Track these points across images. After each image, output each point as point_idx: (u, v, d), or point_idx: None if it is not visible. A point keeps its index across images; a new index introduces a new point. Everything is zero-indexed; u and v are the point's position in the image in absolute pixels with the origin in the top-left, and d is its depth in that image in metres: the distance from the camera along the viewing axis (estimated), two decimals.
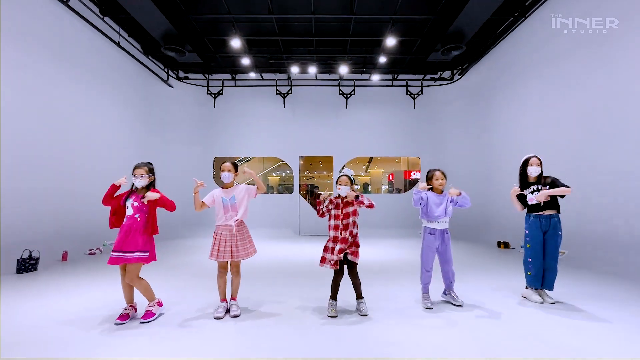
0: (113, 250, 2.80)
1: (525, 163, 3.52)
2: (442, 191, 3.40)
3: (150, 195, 2.86)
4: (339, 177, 3.21)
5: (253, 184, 3.23)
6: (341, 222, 3.11)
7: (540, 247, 3.40)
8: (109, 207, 2.95)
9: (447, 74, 10.73)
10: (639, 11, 4.90)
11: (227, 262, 3.09)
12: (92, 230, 6.70)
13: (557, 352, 2.25)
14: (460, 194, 3.23)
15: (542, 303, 3.31)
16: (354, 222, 3.12)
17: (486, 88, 9.01)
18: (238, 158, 14.65)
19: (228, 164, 3.19)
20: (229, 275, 3.19)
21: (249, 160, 15.87)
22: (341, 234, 3.07)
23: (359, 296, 3.17)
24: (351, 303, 3.30)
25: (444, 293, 3.48)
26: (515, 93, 7.65)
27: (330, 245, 3.11)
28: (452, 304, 3.33)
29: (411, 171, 13.86)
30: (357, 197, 3.05)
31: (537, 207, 3.41)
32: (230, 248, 3.04)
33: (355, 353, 2.26)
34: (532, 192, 3.43)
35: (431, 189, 3.41)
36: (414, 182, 12.86)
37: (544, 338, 2.48)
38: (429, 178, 3.42)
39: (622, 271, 4.54)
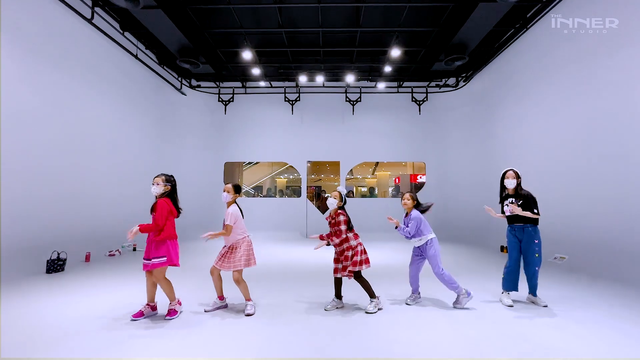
0: (143, 258, 3.20)
1: (503, 176, 3.79)
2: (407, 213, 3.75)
3: (132, 232, 2.96)
4: (332, 192, 3.56)
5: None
6: (333, 237, 3.52)
7: (516, 253, 3.68)
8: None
9: (451, 81, 10.94)
10: None
11: (214, 266, 3.42)
12: (111, 233, 7.11)
13: (553, 353, 2.49)
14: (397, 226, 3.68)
15: (512, 307, 3.53)
16: (346, 238, 3.45)
17: (490, 95, 9.20)
18: (247, 163, 15.06)
19: (229, 186, 3.47)
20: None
21: (256, 163, 16.26)
22: (339, 248, 3.51)
23: (371, 296, 3.47)
24: (361, 303, 3.61)
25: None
26: (519, 100, 7.82)
27: (334, 256, 3.60)
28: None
29: (417, 175, 14.02)
30: (327, 243, 3.55)
31: (512, 217, 3.70)
32: (221, 258, 3.40)
33: (360, 353, 2.53)
34: (506, 205, 3.70)
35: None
36: (420, 186, 13.05)
37: (535, 340, 2.71)
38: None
39: (620, 276, 4.70)
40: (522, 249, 3.65)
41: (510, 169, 3.78)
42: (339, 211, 3.50)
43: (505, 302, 3.61)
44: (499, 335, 2.78)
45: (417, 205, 3.72)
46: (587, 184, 5.70)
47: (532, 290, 3.66)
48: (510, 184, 3.71)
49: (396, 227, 3.70)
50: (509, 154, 8.17)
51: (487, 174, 9.22)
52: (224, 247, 3.47)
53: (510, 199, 3.70)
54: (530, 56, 7.35)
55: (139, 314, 3.17)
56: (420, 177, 13.67)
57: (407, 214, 3.73)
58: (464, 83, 10.53)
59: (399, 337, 2.76)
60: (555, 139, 6.58)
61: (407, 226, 3.62)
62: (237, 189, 3.53)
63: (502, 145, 8.56)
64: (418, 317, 3.28)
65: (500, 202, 3.87)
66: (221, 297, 3.51)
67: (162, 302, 3.40)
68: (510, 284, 3.66)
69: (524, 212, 3.51)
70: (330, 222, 3.57)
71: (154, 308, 3.31)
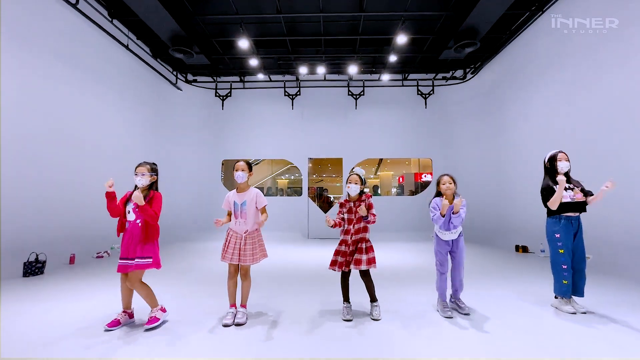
0: (120, 258, 2.72)
1: (553, 159, 3.27)
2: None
3: (135, 198, 2.62)
4: (349, 176, 3.05)
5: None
6: (353, 226, 2.99)
7: (571, 251, 3.15)
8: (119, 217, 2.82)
9: (459, 73, 10.45)
10: None
11: (236, 265, 2.95)
12: (100, 233, 6.65)
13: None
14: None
15: (575, 314, 3.04)
16: (365, 227, 2.99)
17: (500, 87, 8.69)
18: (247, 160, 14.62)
19: (242, 163, 3.03)
20: (239, 279, 3.04)
21: (257, 163, 15.83)
22: (351, 238, 2.97)
23: (372, 299, 3.04)
24: (365, 306, 3.15)
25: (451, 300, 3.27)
26: (531, 92, 7.32)
27: (342, 248, 3.00)
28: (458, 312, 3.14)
29: (422, 173, 13.56)
30: (365, 217, 2.92)
31: (571, 206, 3.14)
32: (239, 251, 2.90)
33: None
34: (565, 190, 3.16)
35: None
36: (425, 185, 12.56)
37: (578, 352, 2.24)
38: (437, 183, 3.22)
39: None
40: (574, 243, 3.17)
41: (560, 151, 3.27)
42: (367, 193, 3.03)
43: (568, 309, 3.07)
44: (536, 346, 2.29)
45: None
46: (601, 178, 5.21)
47: (580, 291, 3.15)
48: (565, 166, 3.18)
49: (443, 216, 3.00)
50: (522, 149, 7.66)
51: (499, 170, 8.71)
52: (231, 237, 2.97)
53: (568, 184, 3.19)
54: (543, 46, 6.88)
55: (115, 323, 2.70)
56: (425, 176, 13.21)
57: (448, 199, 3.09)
58: (472, 75, 10.04)
59: (417, 349, 2.27)
60: (569, 134, 6.11)
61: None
62: (250, 167, 3.09)
63: (514, 140, 8.05)
64: (434, 324, 2.78)
65: (544, 192, 3.26)
66: (235, 305, 2.98)
67: (142, 308, 2.94)
68: (573, 288, 3.15)
69: (597, 195, 3.07)
70: (349, 209, 3.03)
71: (131, 315, 2.86)
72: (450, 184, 3.09)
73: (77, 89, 6.39)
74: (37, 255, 4.90)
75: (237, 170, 3.00)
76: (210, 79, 10.87)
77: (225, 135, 10.93)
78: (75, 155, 6.30)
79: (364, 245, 2.96)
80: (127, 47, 7.62)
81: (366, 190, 3.13)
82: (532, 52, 7.26)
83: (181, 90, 10.40)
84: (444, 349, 2.33)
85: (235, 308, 2.96)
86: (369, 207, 2.94)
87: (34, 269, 4.77)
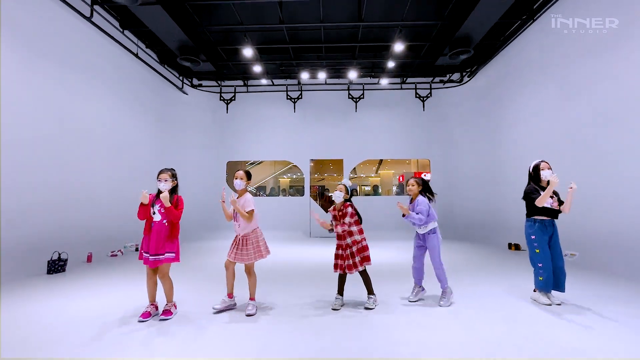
0: (146, 252, 3.06)
1: (537, 168, 3.62)
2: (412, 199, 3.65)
3: (164, 197, 3.00)
4: (337, 185, 3.48)
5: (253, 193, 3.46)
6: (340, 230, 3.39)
7: (547, 250, 3.50)
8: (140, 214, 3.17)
9: (456, 76, 10.76)
10: None
11: (229, 260, 3.32)
12: (113, 233, 7.05)
13: (564, 353, 2.36)
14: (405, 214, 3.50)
15: (550, 305, 3.40)
16: (350, 231, 3.38)
17: (495, 90, 9.02)
18: (250, 162, 15.00)
19: (241, 172, 3.39)
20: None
21: (259, 163, 16.19)
22: (343, 242, 3.40)
23: (369, 292, 3.45)
24: (363, 298, 3.54)
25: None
26: (524, 95, 7.66)
27: (338, 252, 3.45)
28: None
29: (422, 172, 13.87)
30: (330, 230, 3.42)
31: (546, 211, 3.50)
32: (236, 251, 3.29)
33: (366, 353, 2.42)
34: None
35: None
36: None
37: (549, 339, 2.58)
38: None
39: (631, 273, 4.55)
40: (550, 243, 3.53)
41: (543, 160, 3.63)
42: (347, 203, 3.43)
43: (544, 301, 3.43)
44: (511, 334, 2.65)
45: (424, 191, 3.61)
46: (600, 178, 5.54)
47: (561, 286, 3.48)
48: (549, 174, 3.51)
49: (403, 216, 3.52)
50: (516, 150, 8.00)
51: (493, 170, 9.05)
52: (235, 239, 3.36)
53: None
54: (536, 50, 7.19)
55: (147, 315, 3.07)
56: (425, 175, 13.54)
57: (412, 201, 3.63)
58: (469, 78, 10.35)
59: (406, 337, 2.63)
60: (561, 135, 6.43)
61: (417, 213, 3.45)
62: (249, 176, 3.46)
63: (508, 141, 8.38)
64: (425, 316, 3.15)
65: (525, 198, 3.64)
66: (230, 295, 3.37)
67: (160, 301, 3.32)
68: (551, 285, 3.48)
69: (568, 200, 3.44)
70: (335, 216, 3.47)
71: (157, 307, 3.23)
72: (413, 186, 3.61)
73: (93, 96, 6.79)
74: (59, 254, 5.28)
75: (236, 178, 3.38)
76: (215, 83, 11.23)
77: (229, 137, 11.31)
78: (91, 158, 6.69)
79: (354, 249, 3.35)
80: (136, 55, 7.99)
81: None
82: (526, 56, 7.57)
83: (187, 94, 10.76)
84: (422, 329, 2.69)
85: (230, 298, 3.35)
86: (343, 216, 3.36)
87: (57, 267, 5.14)
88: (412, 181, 3.62)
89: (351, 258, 3.33)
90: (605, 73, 5.50)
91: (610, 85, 5.39)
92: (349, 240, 3.37)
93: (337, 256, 3.45)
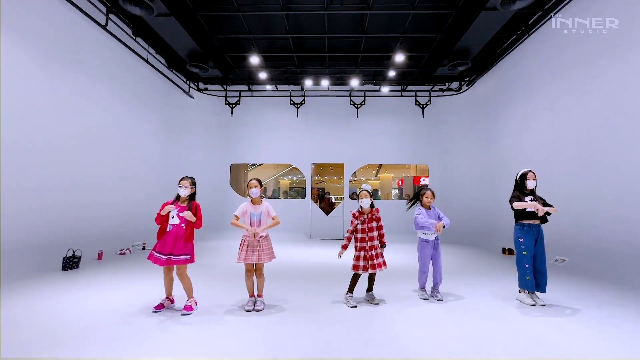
0: (160, 252, 3.31)
1: (523, 177, 3.94)
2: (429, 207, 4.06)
3: (187, 216, 3.33)
4: (359, 191, 3.78)
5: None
6: (366, 234, 3.69)
7: (532, 253, 3.80)
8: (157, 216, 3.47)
9: (455, 85, 11.08)
10: None
11: (252, 264, 3.57)
12: (121, 232, 7.32)
13: (546, 349, 2.63)
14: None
15: (534, 305, 3.68)
16: (378, 235, 3.72)
17: (493, 99, 9.34)
18: (252, 164, 15.26)
19: (254, 181, 3.67)
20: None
21: (260, 165, 16.47)
22: (367, 244, 3.68)
23: (369, 289, 3.80)
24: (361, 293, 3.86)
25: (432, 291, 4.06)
26: (521, 104, 7.95)
27: (361, 254, 3.70)
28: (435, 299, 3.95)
29: (420, 177, 14.15)
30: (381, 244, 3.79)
31: (532, 216, 3.80)
32: (257, 252, 3.54)
33: (367, 352, 2.69)
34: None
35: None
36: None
37: (535, 337, 2.84)
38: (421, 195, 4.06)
39: (623, 279, 4.78)
40: (535, 246, 3.83)
41: (530, 170, 3.98)
42: (377, 208, 3.79)
43: (529, 302, 3.73)
44: (504, 334, 2.90)
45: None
46: (590, 187, 5.81)
47: (543, 288, 3.77)
48: (532, 184, 3.91)
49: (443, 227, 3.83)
50: (511, 157, 8.30)
51: (490, 177, 9.35)
52: (246, 242, 3.56)
53: (529, 197, 3.88)
54: (532, 61, 7.48)
55: (160, 306, 3.36)
56: (424, 180, 13.81)
57: (429, 208, 4.04)
58: (467, 87, 10.67)
59: (405, 332, 2.91)
60: (556, 144, 6.70)
61: (443, 217, 3.96)
62: (261, 183, 3.78)
63: (505, 149, 8.69)
64: (424, 314, 3.42)
65: (512, 199, 3.94)
66: (252, 295, 3.63)
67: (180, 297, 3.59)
68: (537, 285, 3.77)
69: (550, 208, 3.72)
70: (363, 221, 3.73)
71: (172, 301, 3.52)
72: (432, 198, 4.02)
73: (105, 100, 7.08)
74: (73, 251, 5.55)
75: (250, 187, 3.65)
76: (220, 87, 11.55)
77: (234, 140, 11.61)
78: (102, 160, 6.98)
79: (378, 251, 3.70)
80: (146, 60, 8.29)
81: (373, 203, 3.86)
82: (523, 66, 7.85)
83: (193, 98, 11.06)
84: (418, 320, 2.98)
85: (254, 297, 3.61)
86: (377, 220, 3.73)
87: (71, 263, 5.40)
88: (430, 193, 4.01)
89: (381, 257, 3.68)
90: (598, 85, 5.70)
91: (603, 97, 5.59)
92: (376, 242, 3.69)
93: (358, 257, 3.69)
